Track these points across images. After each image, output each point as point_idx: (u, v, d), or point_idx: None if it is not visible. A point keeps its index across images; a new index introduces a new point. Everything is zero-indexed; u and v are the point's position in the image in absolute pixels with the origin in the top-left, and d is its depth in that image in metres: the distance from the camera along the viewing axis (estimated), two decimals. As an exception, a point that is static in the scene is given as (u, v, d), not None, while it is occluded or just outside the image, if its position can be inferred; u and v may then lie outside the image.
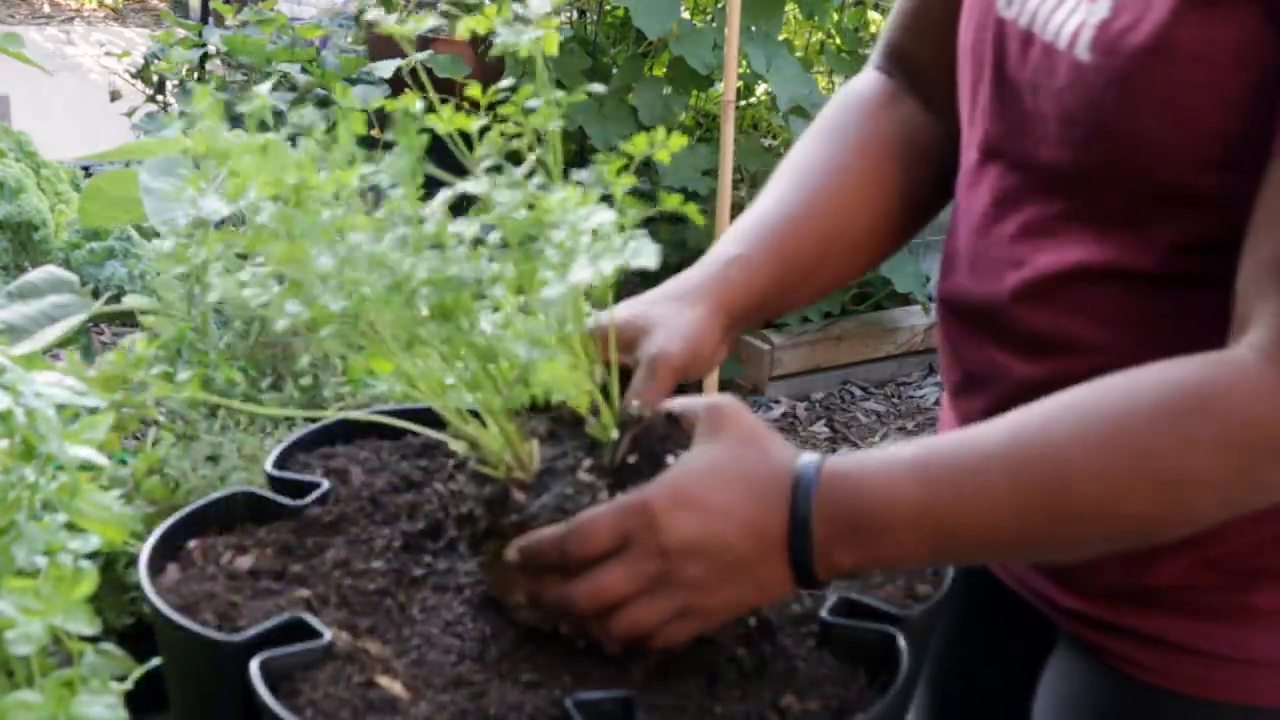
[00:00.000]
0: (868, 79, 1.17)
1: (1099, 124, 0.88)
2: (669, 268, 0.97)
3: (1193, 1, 0.82)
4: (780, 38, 4.21)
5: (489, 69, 3.99)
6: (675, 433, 0.85)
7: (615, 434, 0.84)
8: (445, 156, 0.83)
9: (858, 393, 4.13)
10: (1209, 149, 0.84)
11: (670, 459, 0.83)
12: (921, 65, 1.13)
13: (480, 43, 3.99)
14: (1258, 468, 0.80)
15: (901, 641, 0.83)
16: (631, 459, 0.83)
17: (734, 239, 1.04)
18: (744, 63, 4.00)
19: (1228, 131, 0.83)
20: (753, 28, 4.03)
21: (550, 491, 0.83)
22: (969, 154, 1.04)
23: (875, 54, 1.17)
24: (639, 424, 0.83)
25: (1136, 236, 0.90)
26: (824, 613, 0.88)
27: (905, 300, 4.18)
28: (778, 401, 3.96)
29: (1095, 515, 0.81)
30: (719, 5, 4.14)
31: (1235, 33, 0.82)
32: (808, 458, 0.82)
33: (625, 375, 0.89)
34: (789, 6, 4.31)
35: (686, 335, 0.93)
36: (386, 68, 3.83)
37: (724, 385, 3.72)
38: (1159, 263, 0.90)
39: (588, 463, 0.84)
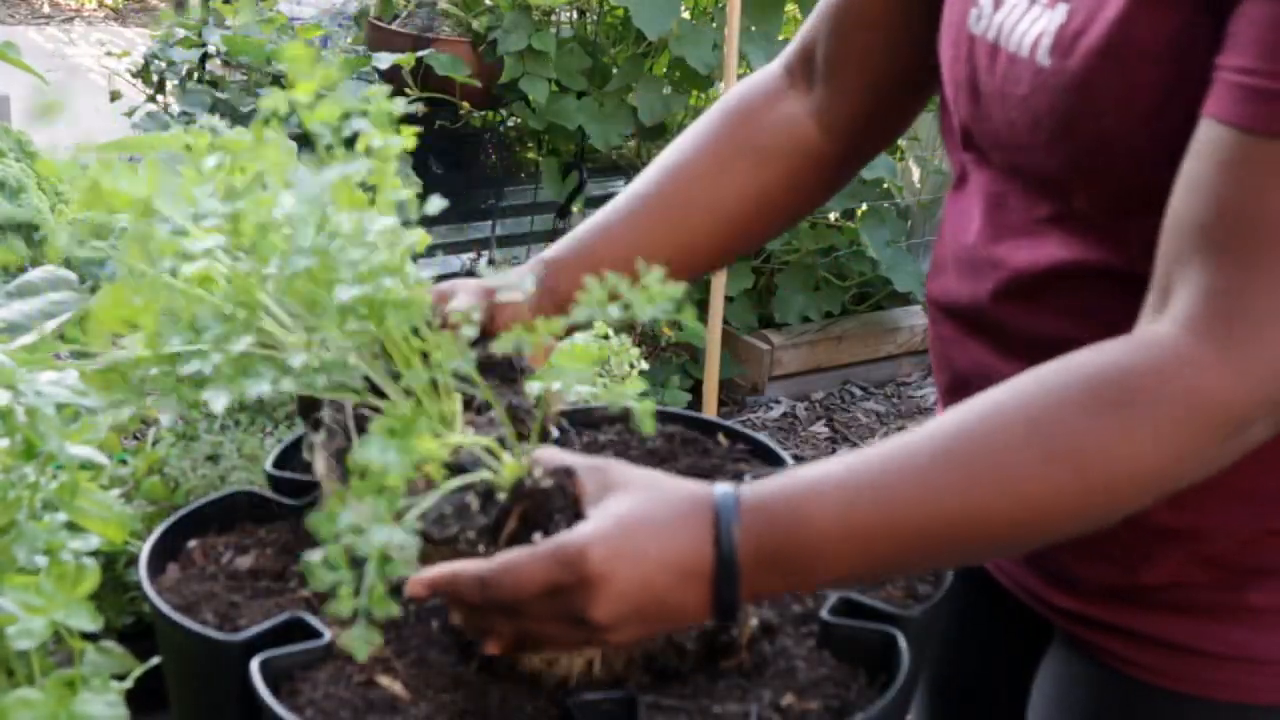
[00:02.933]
0: (765, 74, 1.17)
1: (1063, 127, 0.89)
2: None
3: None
4: (780, 38, 4.21)
5: (488, 68, 3.99)
6: (567, 505, 0.81)
7: (503, 498, 0.81)
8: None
9: (858, 393, 4.13)
10: (1169, 145, 0.84)
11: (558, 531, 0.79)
12: (831, 71, 1.13)
13: (480, 41, 3.99)
14: (1195, 447, 0.79)
15: (901, 641, 0.83)
16: (511, 528, 0.81)
17: (555, 246, 1.09)
18: (744, 63, 4.00)
19: (1180, 126, 0.83)
20: (753, 28, 4.03)
21: (439, 500, 0.80)
22: (955, 164, 1.06)
23: (790, 48, 1.17)
24: (532, 497, 0.81)
25: (1114, 236, 0.91)
26: (824, 613, 0.88)
27: (905, 300, 4.18)
28: (778, 401, 3.96)
29: (1028, 522, 0.80)
30: (719, 5, 4.14)
31: (1179, 25, 0.82)
32: (721, 490, 0.80)
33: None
34: (789, 6, 4.31)
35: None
36: (384, 60, 3.83)
37: (724, 385, 3.72)
38: (1138, 261, 0.90)
39: (478, 504, 0.81)
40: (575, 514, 0.80)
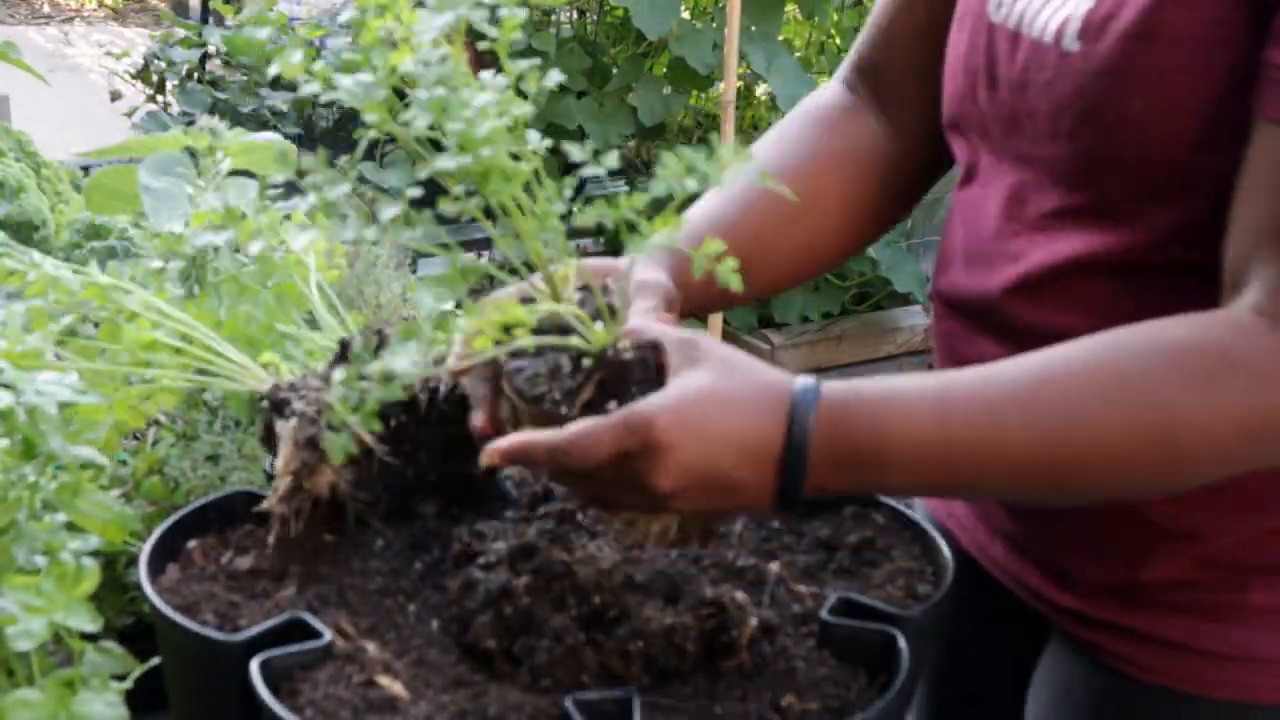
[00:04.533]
0: (829, 91, 1.19)
1: (1088, 111, 0.89)
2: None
3: None
4: (780, 38, 4.21)
5: (488, 67, 3.99)
6: (648, 377, 0.83)
7: (586, 363, 0.83)
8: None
9: (857, 393, 4.13)
10: (1197, 129, 0.86)
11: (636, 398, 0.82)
12: (890, 79, 1.14)
13: (480, 39, 3.99)
14: (1265, 435, 0.81)
15: (901, 641, 0.84)
16: (588, 395, 0.82)
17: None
18: (744, 63, 4.00)
19: (1213, 110, 0.85)
20: (753, 28, 4.04)
21: (536, 360, 0.83)
22: (971, 157, 1.05)
23: (843, 68, 1.19)
24: (612, 367, 0.82)
25: (1130, 227, 0.91)
26: (824, 613, 0.88)
27: (905, 300, 4.19)
28: (777, 401, 3.97)
29: (1103, 470, 0.82)
30: (719, 5, 4.14)
31: (1215, 14, 0.83)
32: (803, 382, 0.81)
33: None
34: (789, 6, 4.31)
35: (659, 275, 0.97)
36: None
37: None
38: (1151, 253, 0.91)
39: (569, 366, 0.83)
40: (658, 385, 0.82)
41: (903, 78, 1.13)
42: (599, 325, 0.83)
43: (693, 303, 1.03)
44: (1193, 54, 0.84)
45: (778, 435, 0.80)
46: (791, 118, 1.18)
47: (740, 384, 0.81)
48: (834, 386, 0.81)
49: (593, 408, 0.81)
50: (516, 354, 0.83)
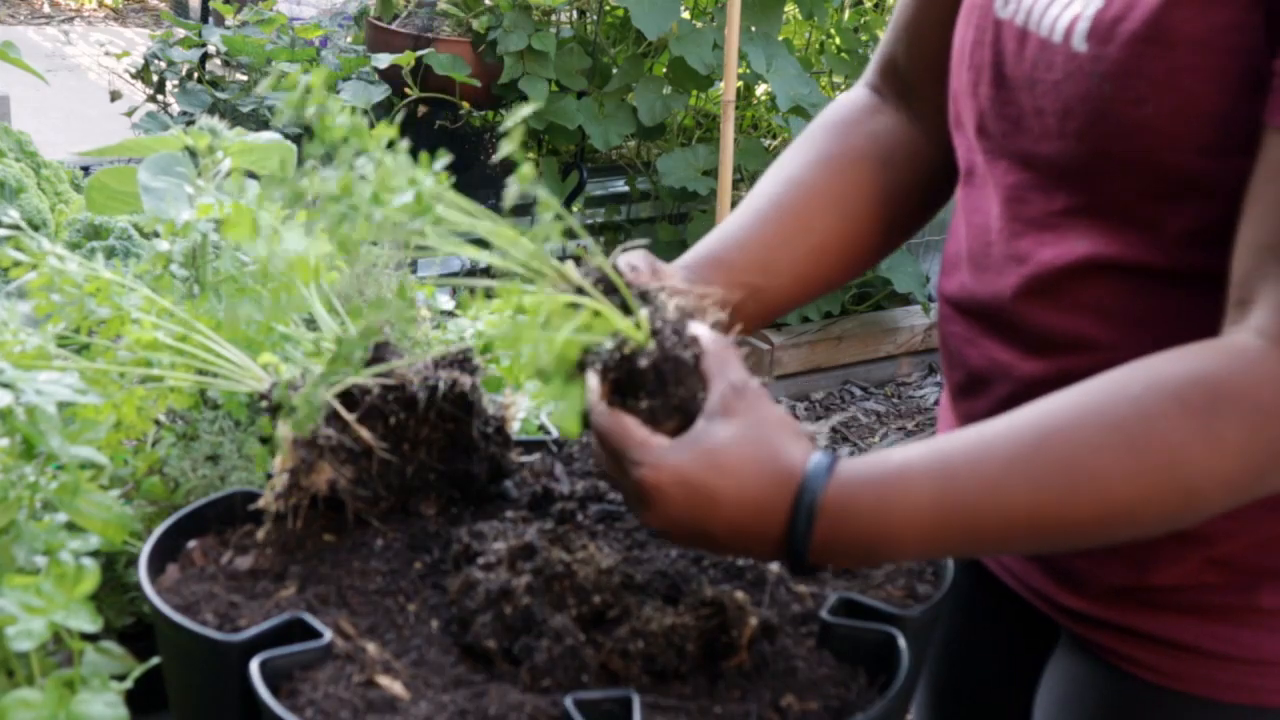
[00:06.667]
0: (853, 94, 1.19)
1: (1097, 112, 0.88)
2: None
3: None
4: (780, 38, 4.21)
5: (488, 68, 3.99)
6: (659, 388, 0.84)
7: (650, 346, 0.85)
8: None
9: (858, 392, 4.13)
10: (1206, 133, 0.85)
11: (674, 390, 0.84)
12: (915, 78, 1.15)
13: (480, 41, 3.99)
14: (1269, 468, 0.80)
15: (901, 641, 0.83)
16: (604, 393, 0.85)
17: (687, 255, 1.08)
18: (744, 63, 4.00)
19: (1224, 115, 0.84)
20: (753, 28, 4.04)
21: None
22: (970, 156, 1.04)
23: (869, 69, 1.19)
24: (628, 374, 0.84)
25: (1140, 230, 0.90)
26: (824, 613, 0.88)
27: (905, 300, 4.19)
28: (778, 401, 3.96)
29: (1113, 524, 0.81)
30: (719, 5, 4.14)
31: (1226, 17, 0.83)
32: (815, 466, 0.81)
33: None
34: (789, 6, 4.31)
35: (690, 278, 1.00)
36: (384, 60, 3.84)
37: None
38: (1163, 257, 0.90)
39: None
40: (684, 412, 0.84)
41: (925, 71, 1.13)
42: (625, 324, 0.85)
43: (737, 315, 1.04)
44: (1203, 58, 0.83)
45: (778, 521, 0.81)
46: (815, 123, 1.18)
47: (753, 457, 0.81)
48: (842, 472, 0.81)
49: (611, 405, 0.85)
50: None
